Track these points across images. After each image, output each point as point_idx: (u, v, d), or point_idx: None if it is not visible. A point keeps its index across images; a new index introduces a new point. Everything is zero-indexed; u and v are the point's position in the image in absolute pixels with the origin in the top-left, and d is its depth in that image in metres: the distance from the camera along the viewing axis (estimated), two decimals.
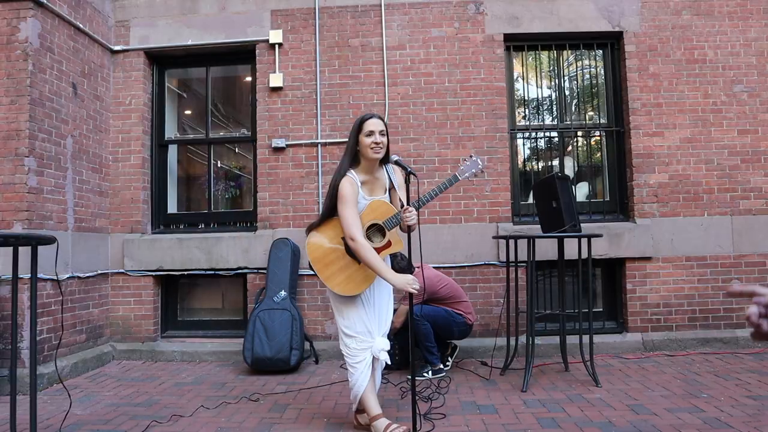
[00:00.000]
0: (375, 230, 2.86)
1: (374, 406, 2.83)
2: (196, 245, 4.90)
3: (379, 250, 2.81)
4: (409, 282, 2.67)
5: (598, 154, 5.24)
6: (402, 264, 3.70)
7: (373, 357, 2.83)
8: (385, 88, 4.92)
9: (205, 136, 5.31)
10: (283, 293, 4.47)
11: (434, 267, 4.67)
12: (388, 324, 2.96)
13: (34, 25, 4.07)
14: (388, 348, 2.87)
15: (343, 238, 2.78)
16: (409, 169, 2.74)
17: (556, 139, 5.20)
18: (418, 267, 3.97)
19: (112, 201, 5.00)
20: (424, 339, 3.99)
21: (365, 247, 2.69)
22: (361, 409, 2.92)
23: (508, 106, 4.97)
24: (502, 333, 4.22)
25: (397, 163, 2.83)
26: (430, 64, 4.94)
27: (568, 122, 5.14)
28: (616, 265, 4.89)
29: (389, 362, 2.92)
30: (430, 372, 4.00)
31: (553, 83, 5.21)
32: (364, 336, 2.82)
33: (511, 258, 4.07)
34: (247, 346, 4.26)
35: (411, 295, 2.74)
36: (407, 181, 2.75)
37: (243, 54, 5.17)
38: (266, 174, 4.94)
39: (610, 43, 5.04)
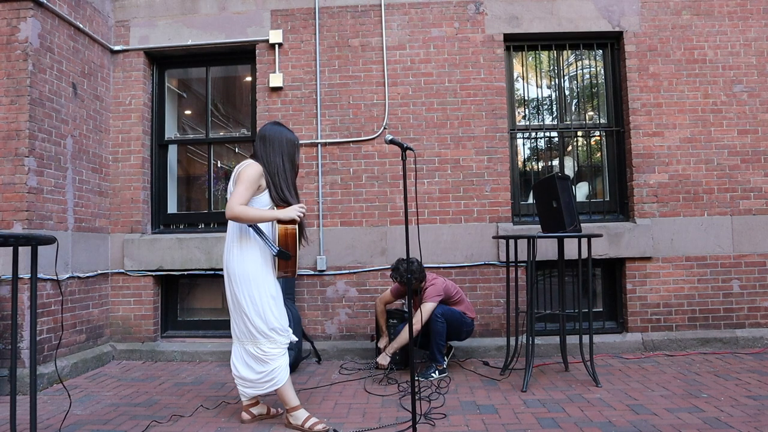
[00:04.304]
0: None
1: (294, 398, 2.97)
2: (196, 245, 4.90)
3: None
4: (295, 209, 2.87)
5: (598, 154, 5.24)
6: (414, 267, 3.87)
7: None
8: (385, 88, 4.92)
9: (205, 136, 5.31)
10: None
11: (434, 267, 4.69)
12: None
13: (34, 25, 4.07)
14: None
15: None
16: (405, 146, 2.90)
17: (556, 139, 5.20)
18: (431, 275, 4.08)
19: (112, 201, 5.01)
20: (438, 337, 3.98)
21: (246, 210, 2.79)
22: (251, 404, 3.06)
23: (508, 106, 4.97)
24: (502, 333, 4.22)
25: (392, 141, 2.95)
26: (430, 64, 4.94)
27: (568, 122, 5.14)
28: (616, 265, 4.89)
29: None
30: (436, 372, 3.99)
31: (553, 83, 5.21)
32: (288, 328, 3.00)
33: (511, 258, 4.07)
34: None
35: (410, 298, 2.76)
36: (404, 158, 2.88)
37: (243, 54, 5.17)
38: None
39: (610, 43, 5.05)
